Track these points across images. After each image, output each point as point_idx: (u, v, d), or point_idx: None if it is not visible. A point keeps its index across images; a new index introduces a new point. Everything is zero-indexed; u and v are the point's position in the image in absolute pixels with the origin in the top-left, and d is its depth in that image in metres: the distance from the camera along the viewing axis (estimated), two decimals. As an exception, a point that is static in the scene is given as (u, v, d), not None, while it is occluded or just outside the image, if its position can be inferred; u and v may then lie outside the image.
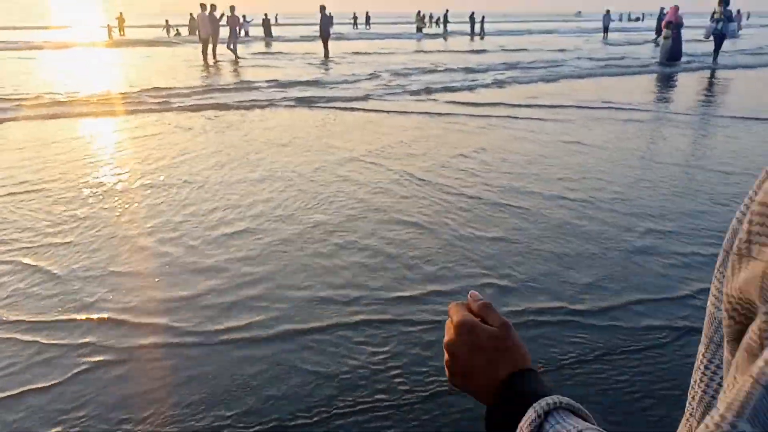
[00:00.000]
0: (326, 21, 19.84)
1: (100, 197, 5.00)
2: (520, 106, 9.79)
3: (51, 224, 4.36)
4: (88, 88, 12.08)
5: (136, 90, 11.77)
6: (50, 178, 5.59)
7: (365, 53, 21.78)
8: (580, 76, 14.44)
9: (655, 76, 14.84)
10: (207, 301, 3.21)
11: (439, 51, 23.63)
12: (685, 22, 17.46)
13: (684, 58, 17.68)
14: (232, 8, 19.44)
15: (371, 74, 14.68)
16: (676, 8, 18.05)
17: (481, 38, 34.37)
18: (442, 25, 39.18)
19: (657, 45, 17.70)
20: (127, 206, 4.76)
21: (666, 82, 13.80)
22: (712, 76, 14.85)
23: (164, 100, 10.64)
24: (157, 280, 3.48)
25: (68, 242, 4.02)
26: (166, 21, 38.85)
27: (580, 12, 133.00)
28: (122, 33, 36.78)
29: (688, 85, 13.11)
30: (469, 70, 15.71)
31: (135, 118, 8.98)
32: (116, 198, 4.98)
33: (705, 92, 12.00)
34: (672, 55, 17.41)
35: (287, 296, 3.26)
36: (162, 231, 4.22)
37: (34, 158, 6.37)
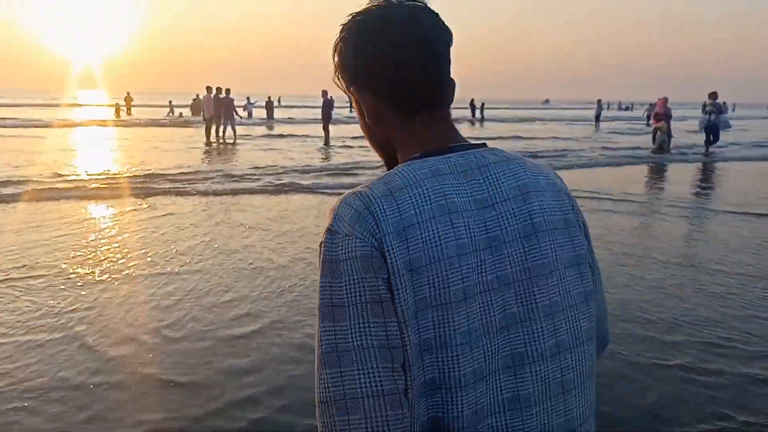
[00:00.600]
0: (327, 105, 20.31)
1: (80, 289, 4.72)
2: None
3: (19, 322, 4.07)
4: (92, 170, 12.09)
5: (134, 173, 11.79)
6: (31, 264, 5.34)
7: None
8: (598, 165, 14.66)
9: (664, 166, 15.06)
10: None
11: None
12: (673, 113, 18.04)
13: (679, 150, 18.08)
14: (228, 91, 19.90)
15: (373, 161, 14.80)
16: (665, 100, 18.68)
17: (481, 124, 35.15)
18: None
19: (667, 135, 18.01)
20: (104, 300, 4.49)
21: (671, 172, 13.97)
22: (705, 167, 15.06)
23: (162, 184, 10.60)
24: (136, 400, 3.15)
25: (35, 343, 3.72)
26: (170, 102, 40.07)
27: (547, 100, 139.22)
28: (129, 112, 37.77)
29: (690, 175, 13.24)
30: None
31: (128, 203, 8.86)
32: (95, 291, 4.71)
33: (699, 183, 12.10)
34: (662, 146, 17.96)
35: (292, 424, 2.93)
36: (143, 333, 3.92)
37: (22, 244, 6.14)
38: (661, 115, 18.25)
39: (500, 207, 0.82)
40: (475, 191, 0.82)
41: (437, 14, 0.90)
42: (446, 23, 0.91)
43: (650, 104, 38.31)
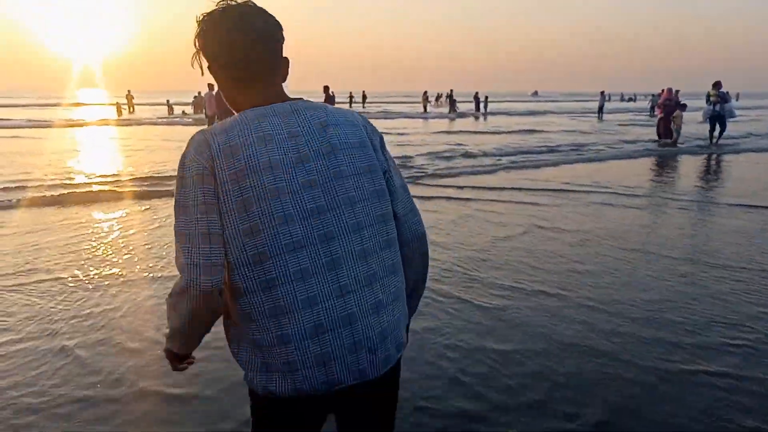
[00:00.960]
0: (329, 101, 20.12)
1: (82, 293, 4.58)
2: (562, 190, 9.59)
3: (18, 329, 3.93)
4: (94, 172, 11.98)
5: (137, 175, 11.66)
6: (30, 268, 5.21)
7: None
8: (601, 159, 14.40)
9: (670, 158, 14.83)
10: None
11: (448, 132, 23.91)
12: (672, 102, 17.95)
13: (682, 140, 17.90)
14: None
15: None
16: (670, 90, 18.52)
17: (485, 118, 34.78)
18: (448, 105, 39.57)
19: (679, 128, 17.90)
20: (104, 307, 4.35)
21: (693, 164, 13.77)
22: (709, 158, 14.86)
23: (166, 185, 10.47)
24: (142, 418, 3.01)
25: (34, 353, 3.58)
26: (168, 101, 39.78)
27: (536, 92, 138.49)
28: (131, 110, 37.64)
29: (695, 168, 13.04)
30: (485, 153, 15.69)
31: (130, 205, 8.72)
32: (95, 297, 4.57)
33: (704, 176, 11.91)
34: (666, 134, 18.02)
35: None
36: (146, 342, 3.78)
37: (20, 248, 6.00)
38: (662, 105, 18.18)
39: (307, 135, 1.26)
40: (289, 126, 1.26)
41: (265, 10, 1.29)
42: (274, 17, 1.30)
43: (653, 95, 38.04)
